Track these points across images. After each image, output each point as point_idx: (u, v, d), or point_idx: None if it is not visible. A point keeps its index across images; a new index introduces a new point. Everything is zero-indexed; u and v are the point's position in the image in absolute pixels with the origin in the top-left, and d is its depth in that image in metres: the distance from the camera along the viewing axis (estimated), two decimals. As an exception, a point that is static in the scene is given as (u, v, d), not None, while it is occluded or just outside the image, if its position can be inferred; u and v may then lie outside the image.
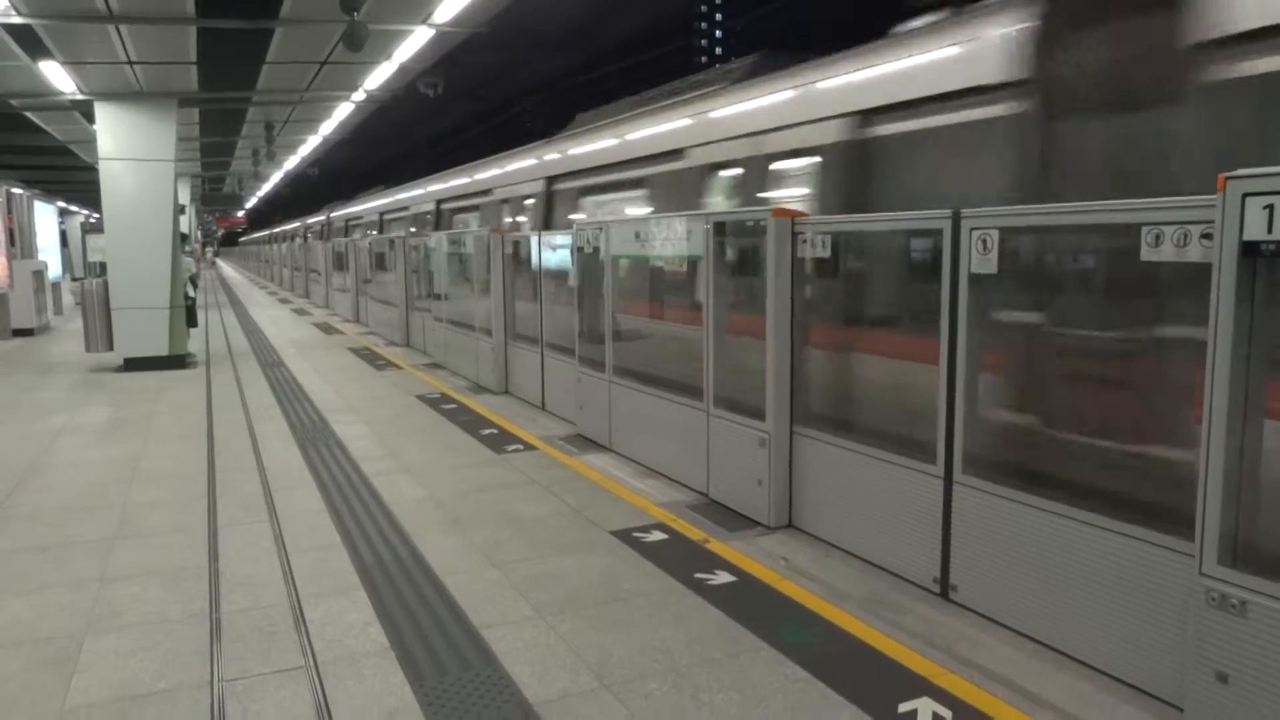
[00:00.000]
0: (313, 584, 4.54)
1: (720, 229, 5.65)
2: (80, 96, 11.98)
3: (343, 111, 15.78)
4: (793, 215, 5.14)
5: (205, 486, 6.41)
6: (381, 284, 17.30)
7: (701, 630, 3.93)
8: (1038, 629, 3.75)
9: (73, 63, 10.27)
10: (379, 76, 12.52)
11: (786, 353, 5.21)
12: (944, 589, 4.22)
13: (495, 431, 8.09)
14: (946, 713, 3.22)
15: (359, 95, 13.97)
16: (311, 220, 35.04)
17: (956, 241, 4.01)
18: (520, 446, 7.48)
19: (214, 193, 36.38)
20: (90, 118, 13.19)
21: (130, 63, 10.35)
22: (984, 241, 3.89)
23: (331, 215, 30.00)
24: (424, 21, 9.30)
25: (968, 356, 4.03)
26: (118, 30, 8.98)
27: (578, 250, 7.70)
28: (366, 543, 5.16)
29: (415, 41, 10.26)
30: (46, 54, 9.86)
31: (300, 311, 23.15)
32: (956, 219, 4.01)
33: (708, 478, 5.90)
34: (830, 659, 3.64)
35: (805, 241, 5.04)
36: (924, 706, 3.26)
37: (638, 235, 6.64)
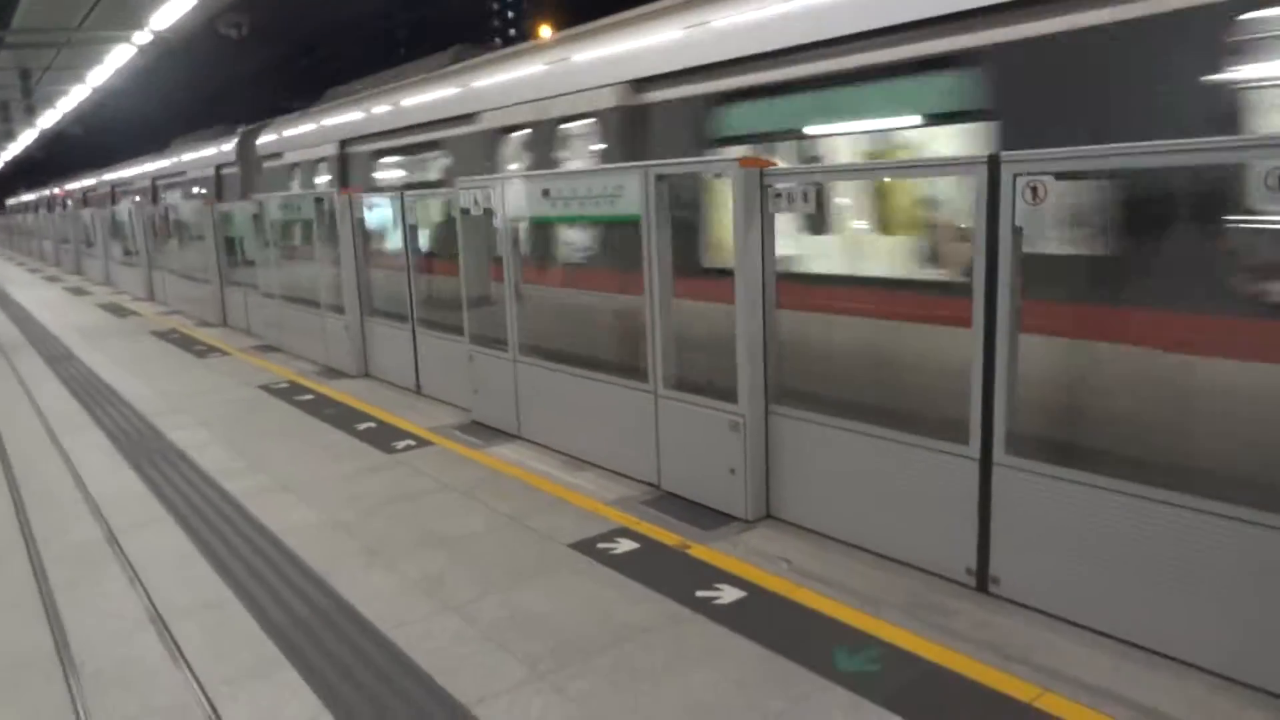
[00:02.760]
0: (217, 665, 3.47)
1: (663, 182, 4.89)
2: None
3: (120, 56, 13.42)
4: (761, 165, 4.47)
5: (18, 533, 5.00)
6: (184, 256, 15.12)
7: (743, 671, 3.27)
8: (1114, 624, 3.36)
9: None
10: (171, 13, 10.61)
11: (759, 324, 4.57)
12: (982, 582, 3.77)
13: (374, 425, 6.99)
14: (1074, 747, 2.75)
15: (144, 36, 11.85)
16: (76, 186, 30.69)
17: (995, 190, 3.49)
18: (412, 442, 6.46)
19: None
20: None
21: None
22: (1033, 189, 3.38)
23: (105, 179, 26.33)
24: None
25: (1010, 323, 3.54)
26: None
27: (463, 212, 6.67)
28: (268, 593, 4.09)
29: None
30: None
31: (77, 291, 20.09)
32: (994, 164, 3.48)
33: (658, 468, 5.20)
34: (912, 693, 3.09)
35: (779, 195, 4.39)
36: (1046, 743, 2.78)
37: (547, 193, 5.73)
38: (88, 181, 27.87)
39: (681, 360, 5.13)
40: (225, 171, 15.85)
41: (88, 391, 8.73)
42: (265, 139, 13.92)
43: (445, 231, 7.06)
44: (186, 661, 3.51)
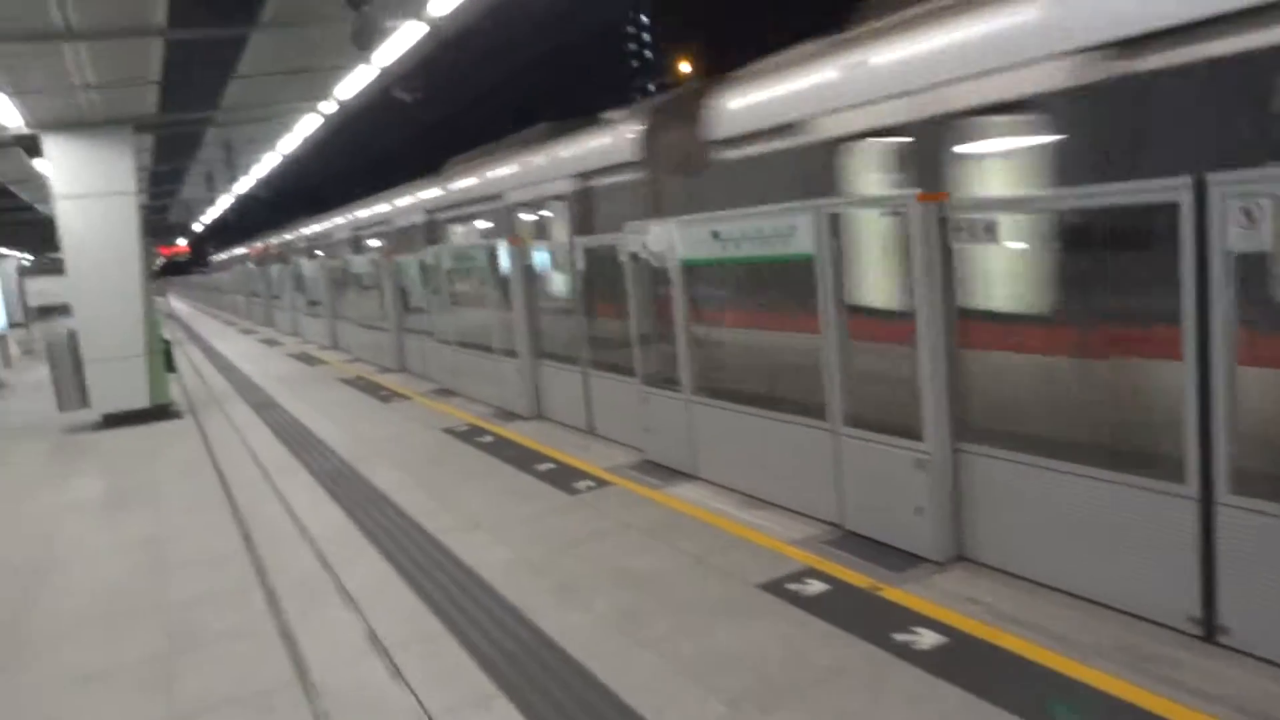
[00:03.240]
0: (439, 693, 3.73)
1: (837, 219, 4.94)
2: (25, 131, 10.84)
3: (308, 125, 14.70)
4: (939, 198, 4.44)
5: (251, 568, 5.53)
6: (362, 306, 16.29)
7: (950, 719, 3.22)
8: (1369, 679, 3.10)
9: (20, 92, 9.19)
10: (355, 83, 11.55)
11: (943, 359, 4.51)
12: (1209, 631, 3.55)
13: (553, 466, 7.29)
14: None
15: (327, 104, 12.95)
16: (263, 244, 33.60)
17: (1201, 213, 3.34)
18: (591, 483, 6.70)
19: (159, 222, 34.72)
20: (31, 152, 12.04)
21: (85, 86, 9.30)
22: (1247, 212, 3.22)
23: (285, 239, 28.69)
24: (418, 16, 8.41)
25: (1227, 354, 3.36)
26: (74, 50, 7.96)
27: (632, 256, 6.92)
28: (474, 626, 4.35)
29: (402, 42, 9.35)
30: (-12, 83, 8.78)
31: (269, 342, 21.97)
32: (1200, 186, 3.33)
33: (840, 507, 5.18)
34: (1138, 746, 2.95)
35: (960, 229, 4.34)
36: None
37: (717, 235, 5.88)
38: (285, 236, 30.32)
39: (859, 396, 5.11)
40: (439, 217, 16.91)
41: (292, 436, 9.54)
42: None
43: (615, 275, 7.31)
44: (412, 689, 3.79)
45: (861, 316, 5.21)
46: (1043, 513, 4.16)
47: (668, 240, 6.39)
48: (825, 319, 5.09)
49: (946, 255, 4.45)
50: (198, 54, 8.69)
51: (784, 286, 5.90)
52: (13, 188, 17.30)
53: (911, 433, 4.63)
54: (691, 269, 6.40)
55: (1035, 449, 4.20)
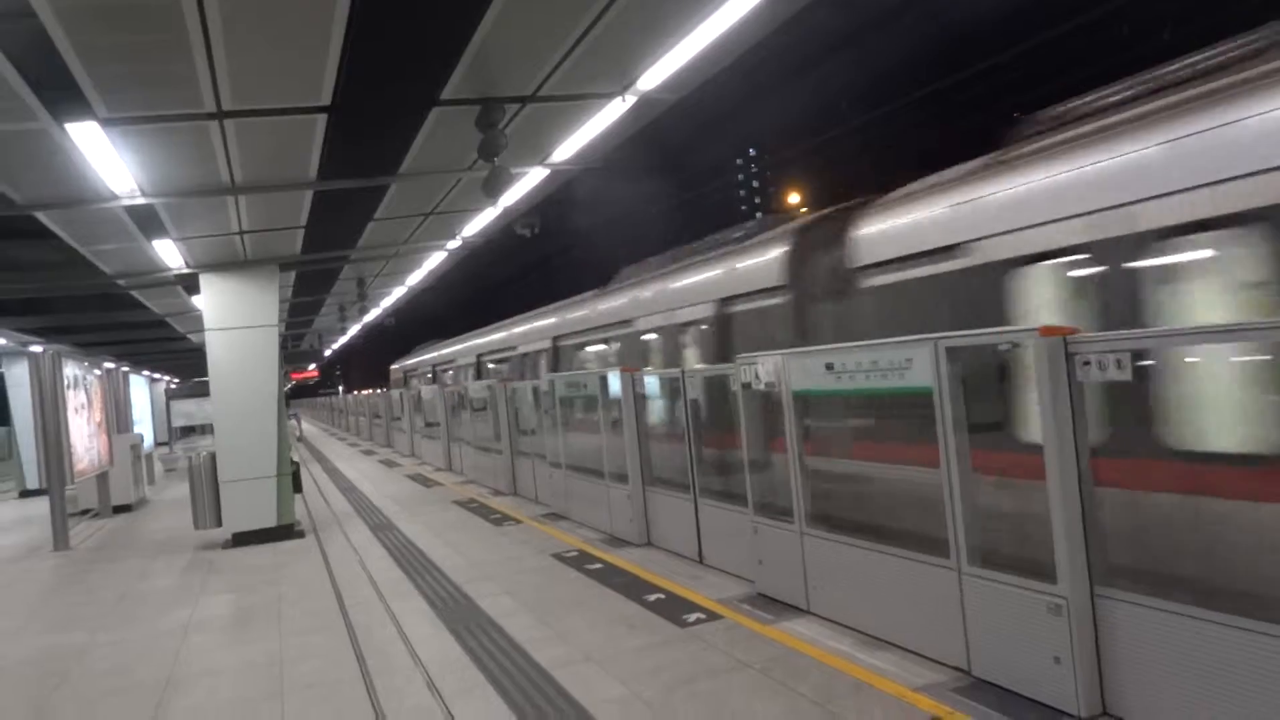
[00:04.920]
0: (550, 843, 3.60)
1: (955, 354, 4.85)
2: (186, 270, 11.90)
3: (433, 261, 15.63)
4: (1064, 332, 4.33)
5: (365, 696, 5.56)
6: (477, 429, 16.77)
7: None
8: None
9: (185, 238, 10.15)
10: (479, 222, 12.28)
11: (1075, 496, 4.29)
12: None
13: (662, 596, 7.16)
14: None
15: (454, 243, 13.77)
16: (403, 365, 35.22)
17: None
18: (702, 615, 6.53)
19: (293, 350, 37.02)
20: (190, 289, 13.13)
21: (241, 233, 10.20)
22: None
23: (402, 365, 29.99)
24: (541, 162, 8.96)
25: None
26: (235, 202, 8.79)
27: (744, 386, 6.95)
28: (587, 770, 4.22)
29: (525, 184, 9.94)
30: (161, 232, 9.73)
31: (388, 463, 22.73)
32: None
33: (967, 651, 4.88)
34: None
35: (1088, 363, 4.20)
36: None
37: (830, 367, 5.86)
38: (405, 361, 31.76)
39: (985, 531, 4.89)
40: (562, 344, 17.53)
41: (407, 558, 9.72)
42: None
43: (726, 404, 7.34)
44: (523, 837, 3.67)
45: (986, 448, 5.04)
46: (1201, 669, 3.80)
47: (780, 371, 6.40)
48: (946, 453, 4.94)
49: (1076, 390, 4.30)
50: (341, 202, 9.44)
51: (902, 416, 5.78)
52: (169, 319, 18.82)
53: (1045, 574, 4.37)
54: (806, 399, 6.36)
55: (1189, 596, 3.89)
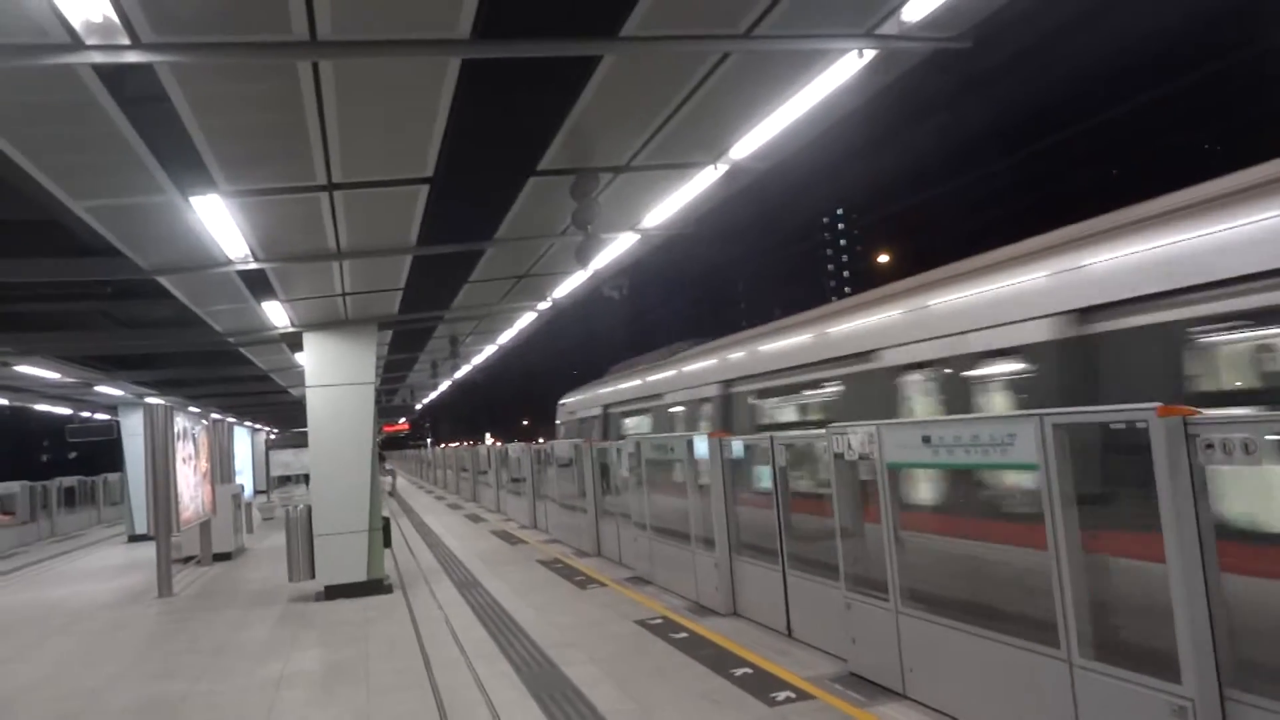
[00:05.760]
0: None
1: (1065, 432, 4.65)
2: (291, 329, 12.42)
3: (524, 320, 15.95)
4: (1184, 413, 4.10)
5: (451, 763, 5.53)
6: (562, 487, 16.84)
7: None
8: None
9: (292, 300, 10.61)
10: (569, 284, 12.51)
11: (1200, 589, 4.01)
12: None
13: (750, 671, 6.96)
14: None
15: (544, 304, 14.04)
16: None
17: None
18: (791, 694, 6.31)
19: (386, 405, 38.13)
20: (294, 347, 13.69)
21: (344, 294, 10.62)
22: None
23: (583, 397, 24.11)
24: (632, 228, 9.10)
25: None
26: (340, 266, 9.17)
27: (836, 457, 6.79)
28: None
29: (615, 249, 10.09)
30: (269, 294, 10.20)
31: (474, 518, 22.99)
32: None
33: (1081, 750, 4.57)
34: None
35: (1210, 446, 3.96)
36: None
37: (927, 440, 5.68)
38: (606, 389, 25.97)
39: (1096, 619, 4.60)
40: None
41: (492, 618, 9.74)
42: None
43: (817, 473, 7.19)
44: None
45: (1102, 530, 4.79)
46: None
47: (874, 442, 6.24)
48: (1054, 534, 4.70)
49: (1198, 474, 4.05)
50: (439, 266, 9.75)
51: (1008, 492, 5.56)
52: (273, 374, 19.65)
53: (1168, 669, 4.08)
54: (903, 472, 6.18)
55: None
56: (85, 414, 25.38)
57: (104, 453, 28.32)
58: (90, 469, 32.55)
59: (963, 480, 6.26)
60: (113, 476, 30.14)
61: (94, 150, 5.48)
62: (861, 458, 6.46)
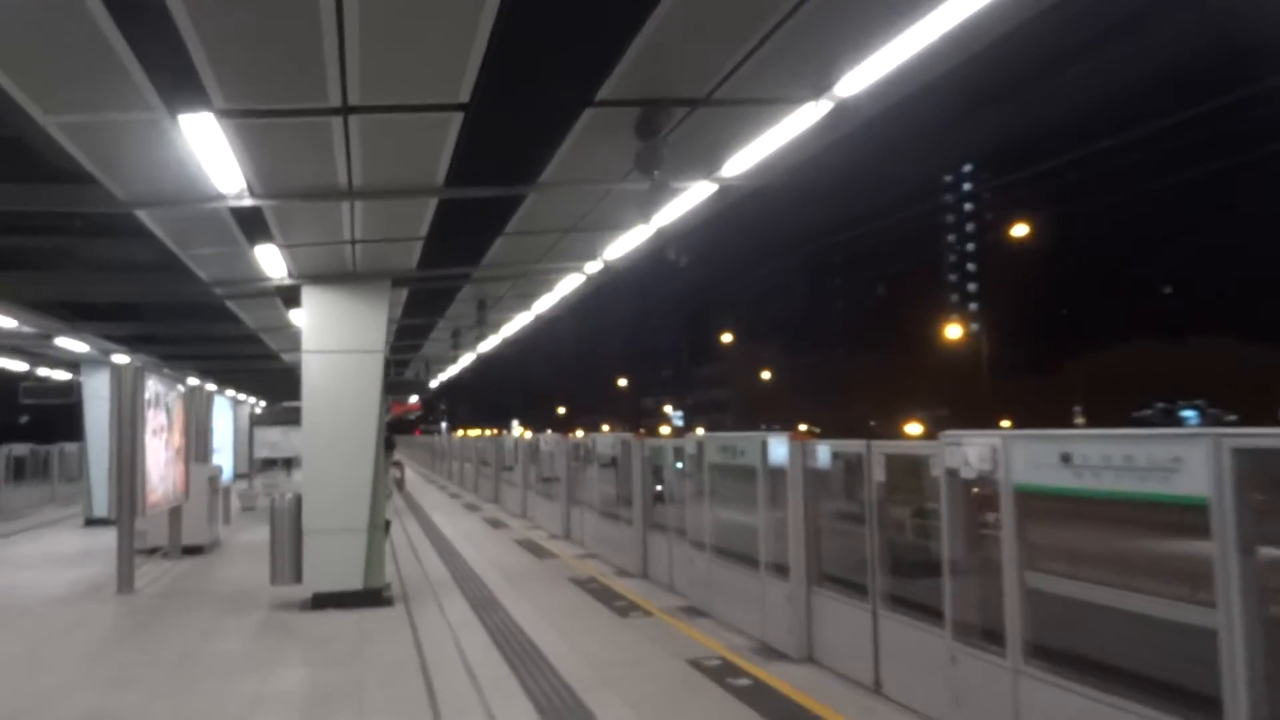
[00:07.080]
0: None
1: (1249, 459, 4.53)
2: (288, 281, 12.66)
3: (568, 284, 16.03)
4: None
5: (456, 815, 5.64)
6: (606, 494, 16.97)
7: None
8: None
9: (291, 245, 10.82)
10: (626, 244, 12.51)
11: None
12: None
13: (827, 733, 6.96)
14: None
15: (594, 265, 14.08)
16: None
17: None
18: (876, 763, 6.29)
19: (396, 378, 38.78)
20: (290, 302, 13.97)
21: (353, 241, 10.79)
22: None
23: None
24: (709, 176, 9.06)
25: None
26: (350, 208, 9.32)
27: (949, 473, 6.72)
28: None
29: (686, 200, 10.04)
30: (265, 237, 10.42)
31: (495, 523, 23.31)
32: None
33: None
34: None
35: None
36: None
37: (1068, 459, 5.58)
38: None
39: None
40: None
41: (512, 646, 9.88)
42: None
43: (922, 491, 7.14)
44: None
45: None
46: None
47: (999, 457, 6.16)
48: (1224, 586, 4.59)
49: None
50: (469, 213, 9.86)
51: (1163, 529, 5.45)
52: (263, 334, 20.11)
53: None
54: (1031, 496, 6.09)
55: None
56: (42, 371, 26.25)
57: (61, 418, 29.31)
58: (45, 437, 33.70)
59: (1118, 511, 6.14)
60: (70, 447, 31.18)
61: (69, 53, 5.63)
62: (980, 475, 6.38)
